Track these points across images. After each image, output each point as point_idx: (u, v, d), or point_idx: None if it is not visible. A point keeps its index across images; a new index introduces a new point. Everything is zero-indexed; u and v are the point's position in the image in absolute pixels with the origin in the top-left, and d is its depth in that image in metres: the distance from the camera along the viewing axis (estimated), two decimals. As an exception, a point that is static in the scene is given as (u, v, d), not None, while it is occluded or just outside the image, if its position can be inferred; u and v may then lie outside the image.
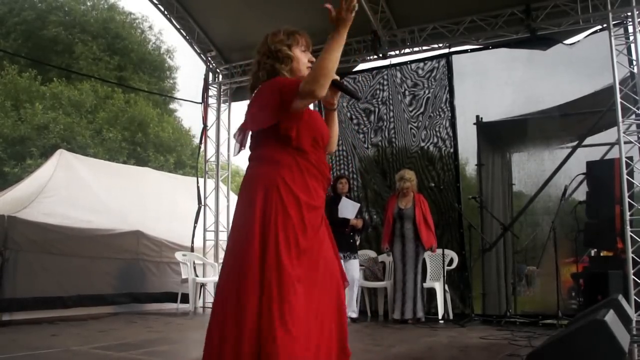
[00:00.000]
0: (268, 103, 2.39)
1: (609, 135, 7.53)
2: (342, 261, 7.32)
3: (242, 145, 2.63)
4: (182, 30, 10.12)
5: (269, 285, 2.23)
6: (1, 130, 17.96)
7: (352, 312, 7.33)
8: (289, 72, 2.55)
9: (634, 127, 7.19)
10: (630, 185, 6.82)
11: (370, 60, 9.35)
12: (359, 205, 7.64)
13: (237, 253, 2.37)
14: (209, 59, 10.56)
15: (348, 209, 7.56)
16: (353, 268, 7.43)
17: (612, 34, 7.16)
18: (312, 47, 2.67)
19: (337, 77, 2.46)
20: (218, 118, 10.67)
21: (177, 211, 10.99)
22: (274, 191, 2.34)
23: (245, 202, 2.42)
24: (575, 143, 7.73)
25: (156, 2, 9.59)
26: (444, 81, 8.58)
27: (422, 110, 8.78)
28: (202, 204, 10.30)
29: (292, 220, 2.33)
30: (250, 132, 2.56)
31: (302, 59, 2.59)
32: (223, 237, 10.34)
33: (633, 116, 7.07)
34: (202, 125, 10.61)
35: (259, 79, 2.56)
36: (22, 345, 5.34)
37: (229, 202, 10.58)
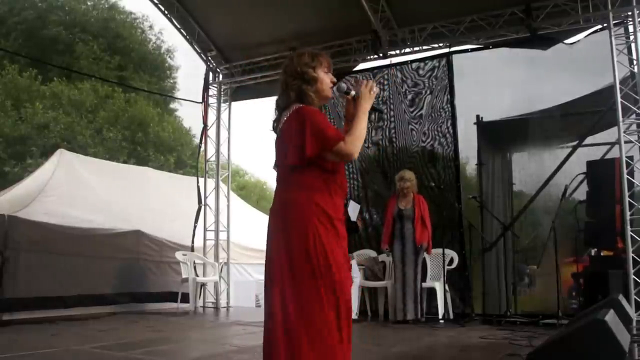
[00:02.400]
0: (310, 136, 2.59)
1: (609, 134, 7.52)
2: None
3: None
4: (182, 30, 10.11)
5: (322, 291, 2.54)
6: (1, 130, 17.95)
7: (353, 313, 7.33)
8: (314, 93, 2.75)
9: (634, 127, 7.19)
10: (631, 184, 6.81)
11: (371, 59, 9.33)
12: (359, 206, 7.66)
13: (288, 269, 2.59)
14: (209, 58, 10.55)
15: (355, 211, 7.60)
16: (355, 269, 7.54)
17: (612, 33, 7.14)
18: (332, 66, 2.86)
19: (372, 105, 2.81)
20: (218, 118, 10.66)
21: (178, 211, 10.99)
22: (310, 212, 2.59)
23: (284, 224, 2.66)
24: (575, 143, 7.72)
25: (157, 1, 9.58)
26: (445, 81, 8.57)
27: (422, 109, 8.77)
28: (203, 203, 10.30)
29: (330, 233, 2.60)
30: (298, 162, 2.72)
31: (326, 80, 2.80)
32: (223, 236, 10.34)
33: (633, 116, 7.06)
34: (202, 125, 10.60)
35: (290, 98, 2.75)
36: (23, 345, 5.36)
37: (229, 202, 10.57)
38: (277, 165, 2.82)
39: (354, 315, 7.37)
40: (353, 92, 2.80)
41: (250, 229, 10.87)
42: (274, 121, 2.84)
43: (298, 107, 2.69)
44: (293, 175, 2.70)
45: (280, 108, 2.81)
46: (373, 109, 2.87)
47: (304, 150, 2.58)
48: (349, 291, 2.66)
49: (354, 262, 7.62)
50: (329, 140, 2.58)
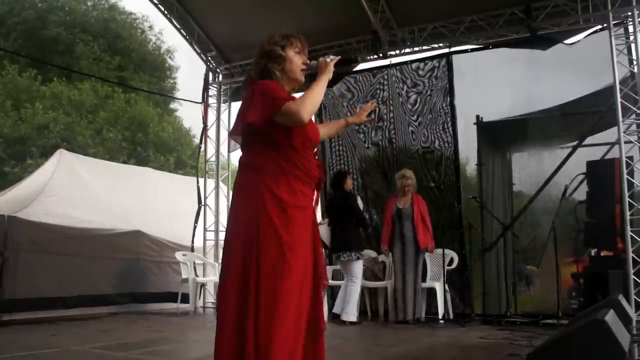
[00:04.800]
0: (257, 102, 2.52)
1: (609, 135, 7.52)
2: (356, 262, 7.36)
3: (237, 143, 2.76)
4: (182, 30, 10.12)
5: (254, 282, 2.42)
6: (1, 130, 17.95)
7: (353, 315, 7.32)
8: (281, 72, 2.69)
9: (634, 127, 7.19)
10: (631, 185, 6.82)
11: (371, 60, 9.33)
12: (362, 203, 7.73)
13: (226, 253, 2.58)
14: (209, 58, 10.56)
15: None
16: (359, 270, 7.52)
17: (612, 33, 7.15)
18: (307, 49, 2.79)
19: (337, 57, 2.75)
20: (218, 118, 10.67)
21: (178, 211, 10.98)
22: (257, 196, 2.50)
23: (234, 207, 2.64)
24: (575, 143, 7.72)
25: (156, 2, 9.59)
26: (444, 81, 8.57)
27: (422, 110, 8.77)
28: (202, 203, 10.30)
29: (273, 220, 2.47)
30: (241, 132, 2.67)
31: (296, 60, 2.72)
32: (223, 236, 10.30)
33: (633, 116, 7.06)
34: (202, 125, 10.61)
35: (251, 76, 2.72)
36: (23, 345, 5.35)
37: (229, 202, 10.56)
38: (234, 148, 2.77)
39: (353, 318, 7.33)
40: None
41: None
42: None
43: (254, 82, 2.64)
44: (246, 156, 2.65)
45: (244, 86, 2.79)
46: (346, 61, 2.85)
47: (251, 112, 2.52)
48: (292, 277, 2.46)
49: (360, 262, 7.57)
50: (278, 100, 2.50)
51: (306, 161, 2.61)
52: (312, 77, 2.74)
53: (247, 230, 2.48)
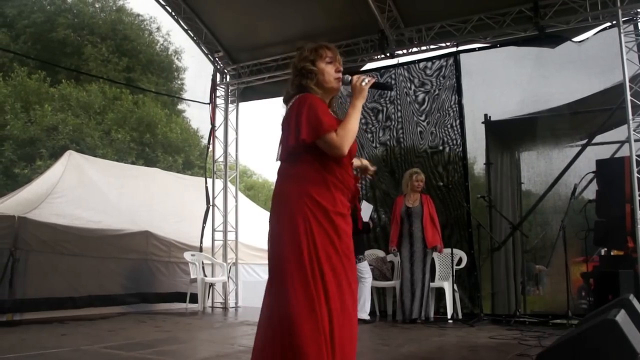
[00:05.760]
0: (304, 121, 2.57)
1: (619, 133, 7.48)
2: (359, 263, 7.36)
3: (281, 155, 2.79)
4: (189, 31, 10.13)
5: (312, 288, 2.46)
6: (11, 132, 18.04)
7: (364, 312, 7.35)
8: (316, 86, 2.73)
9: (644, 125, 7.14)
10: (641, 183, 6.77)
11: (378, 59, 9.33)
12: (372, 206, 7.68)
13: (280, 261, 2.57)
14: (217, 59, 10.57)
15: (367, 211, 7.64)
16: (367, 269, 7.53)
17: (621, 30, 7.10)
18: (338, 54, 2.82)
19: (372, 80, 2.77)
20: (226, 118, 10.68)
21: (186, 211, 11.02)
22: (302, 204, 2.55)
23: (277, 216, 2.65)
24: (584, 141, 7.68)
25: (164, 3, 9.61)
26: (452, 80, 8.55)
27: (430, 109, 8.75)
28: (211, 204, 10.32)
29: (324, 226, 2.55)
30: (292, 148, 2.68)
31: (329, 70, 2.76)
32: (231, 237, 10.35)
33: (643, 114, 7.01)
34: (210, 126, 10.62)
35: (289, 93, 2.77)
36: (33, 345, 5.38)
37: (237, 202, 10.58)
38: (278, 159, 2.80)
39: (365, 316, 7.35)
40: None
41: (258, 229, 10.82)
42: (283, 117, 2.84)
43: (300, 96, 2.67)
44: (288, 167, 2.70)
45: (285, 104, 2.81)
46: (381, 86, 2.86)
47: (299, 133, 2.55)
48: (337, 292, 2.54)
49: (365, 262, 7.60)
50: (323, 126, 2.55)
51: (346, 174, 2.69)
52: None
53: (293, 236, 2.52)
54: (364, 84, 2.73)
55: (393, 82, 9.05)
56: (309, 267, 2.48)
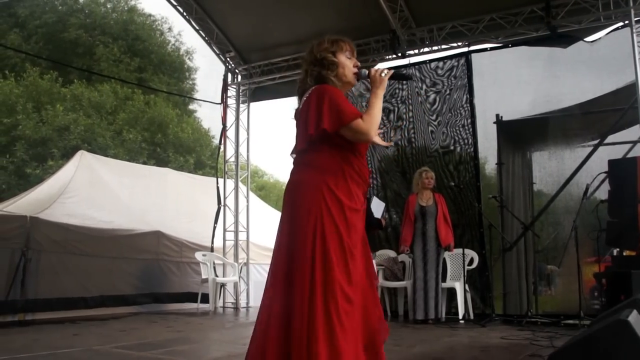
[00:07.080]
0: (326, 110, 2.54)
1: (631, 133, 7.44)
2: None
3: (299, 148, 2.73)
4: (201, 32, 10.17)
5: (317, 285, 2.40)
6: (23, 132, 18.15)
7: None
8: (335, 78, 2.71)
9: (656, 125, 7.09)
10: (654, 183, 6.72)
11: (389, 59, 9.31)
12: (384, 204, 7.65)
13: (286, 254, 2.53)
14: (228, 59, 10.60)
15: (379, 208, 7.60)
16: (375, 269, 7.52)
17: (634, 30, 7.06)
18: (355, 51, 2.84)
19: (391, 71, 2.76)
20: (237, 118, 10.71)
21: (197, 211, 11.06)
22: (319, 196, 2.49)
23: (291, 206, 2.59)
24: (596, 141, 7.64)
25: (175, 3, 9.64)
26: (464, 80, 8.53)
27: (441, 109, 8.73)
28: (222, 204, 10.35)
29: (336, 222, 2.49)
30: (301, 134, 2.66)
31: (348, 64, 2.76)
32: (242, 237, 10.38)
33: (656, 114, 6.96)
34: (221, 126, 10.65)
35: (307, 84, 2.72)
36: (45, 345, 5.41)
37: (248, 202, 10.61)
38: (294, 152, 2.75)
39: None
40: None
41: (269, 229, 10.78)
42: (295, 109, 2.80)
43: (318, 86, 2.65)
44: (306, 156, 2.65)
45: (299, 94, 2.78)
46: (400, 77, 2.87)
47: (320, 122, 2.52)
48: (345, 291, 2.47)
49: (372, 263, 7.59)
50: (347, 115, 2.54)
51: (362, 166, 2.67)
52: None
53: (306, 228, 2.48)
54: (383, 74, 2.72)
55: (404, 82, 9.02)
56: (313, 260, 2.43)
